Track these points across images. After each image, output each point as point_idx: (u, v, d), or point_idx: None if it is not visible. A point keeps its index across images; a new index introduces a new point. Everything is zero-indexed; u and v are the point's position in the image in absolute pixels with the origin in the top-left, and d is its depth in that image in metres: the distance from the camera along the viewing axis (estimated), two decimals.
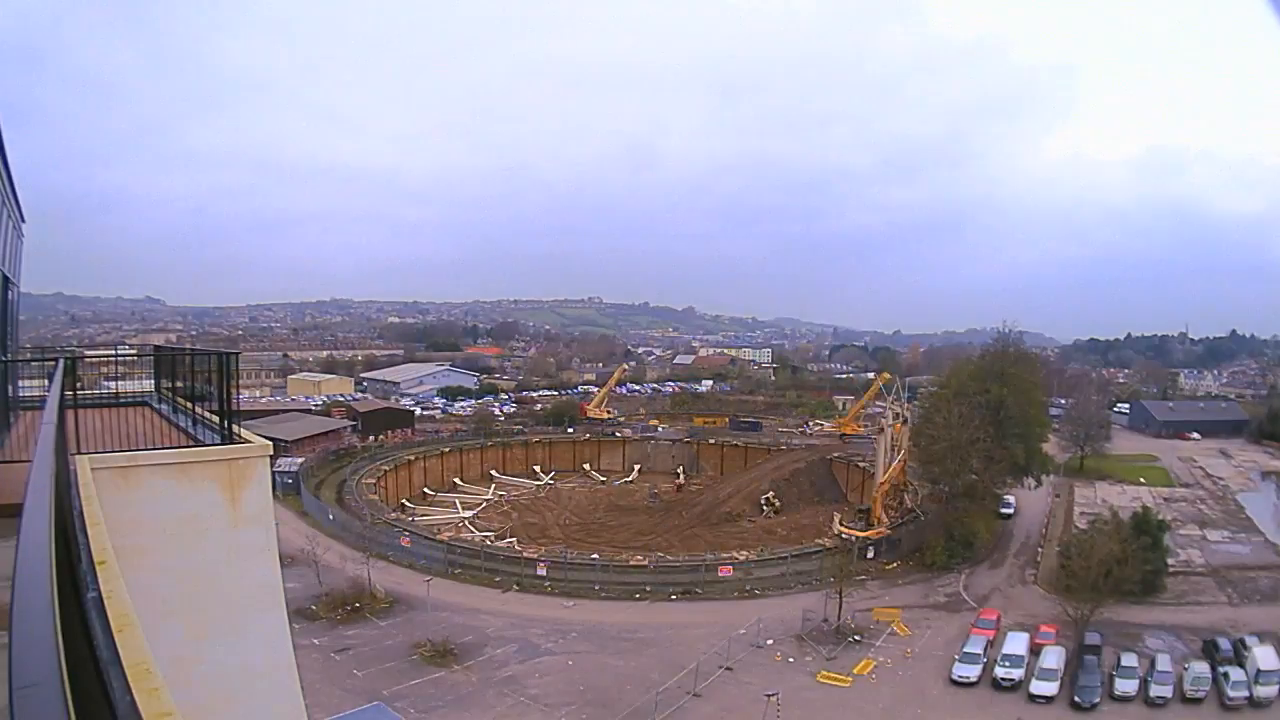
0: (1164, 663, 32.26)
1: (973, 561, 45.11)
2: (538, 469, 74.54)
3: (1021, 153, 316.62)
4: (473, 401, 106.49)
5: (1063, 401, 79.44)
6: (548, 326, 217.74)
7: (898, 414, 53.71)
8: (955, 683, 31.76)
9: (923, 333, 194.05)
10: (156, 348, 15.75)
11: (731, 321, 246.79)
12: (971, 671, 32.01)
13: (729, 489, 65.53)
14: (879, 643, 35.60)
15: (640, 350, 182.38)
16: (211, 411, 8.59)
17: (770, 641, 35.19)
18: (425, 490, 66.89)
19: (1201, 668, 31.56)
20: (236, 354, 8.94)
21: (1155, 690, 30.72)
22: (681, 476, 71.42)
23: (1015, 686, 31.54)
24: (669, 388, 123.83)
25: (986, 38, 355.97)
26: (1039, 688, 30.99)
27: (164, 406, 10.90)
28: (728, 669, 32.54)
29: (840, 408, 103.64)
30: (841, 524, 50.64)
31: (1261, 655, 31.66)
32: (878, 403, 74.84)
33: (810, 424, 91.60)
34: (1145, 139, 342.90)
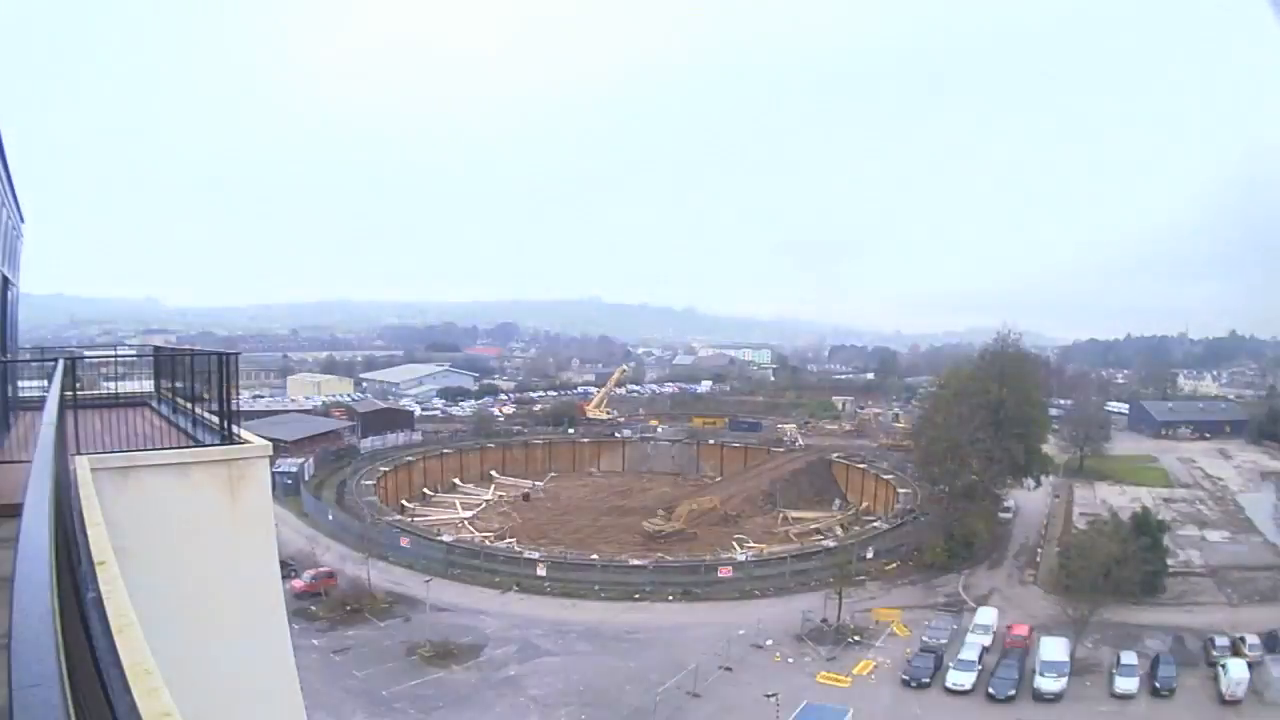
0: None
1: (972, 562, 45.12)
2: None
3: None
4: (473, 402, 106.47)
5: (1063, 402, 79.39)
6: (548, 327, 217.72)
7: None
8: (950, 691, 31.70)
9: (923, 333, 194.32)
10: (156, 348, 15.72)
11: (731, 321, 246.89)
12: (966, 679, 31.89)
13: (729, 489, 65.56)
14: (879, 643, 35.61)
15: (640, 350, 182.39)
16: (211, 412, 8.59)
17: (770, 642, 35.20)
18: (425, 490, 66.90)
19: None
20: (236, 354, 8.94)
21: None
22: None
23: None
24: (669, 388, 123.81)
25: None
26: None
27: (164, 407, 10.90)
28: (727, 669, 32.54)
29: (841, 408, 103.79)
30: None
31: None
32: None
33: (807, 424, 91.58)
34: None
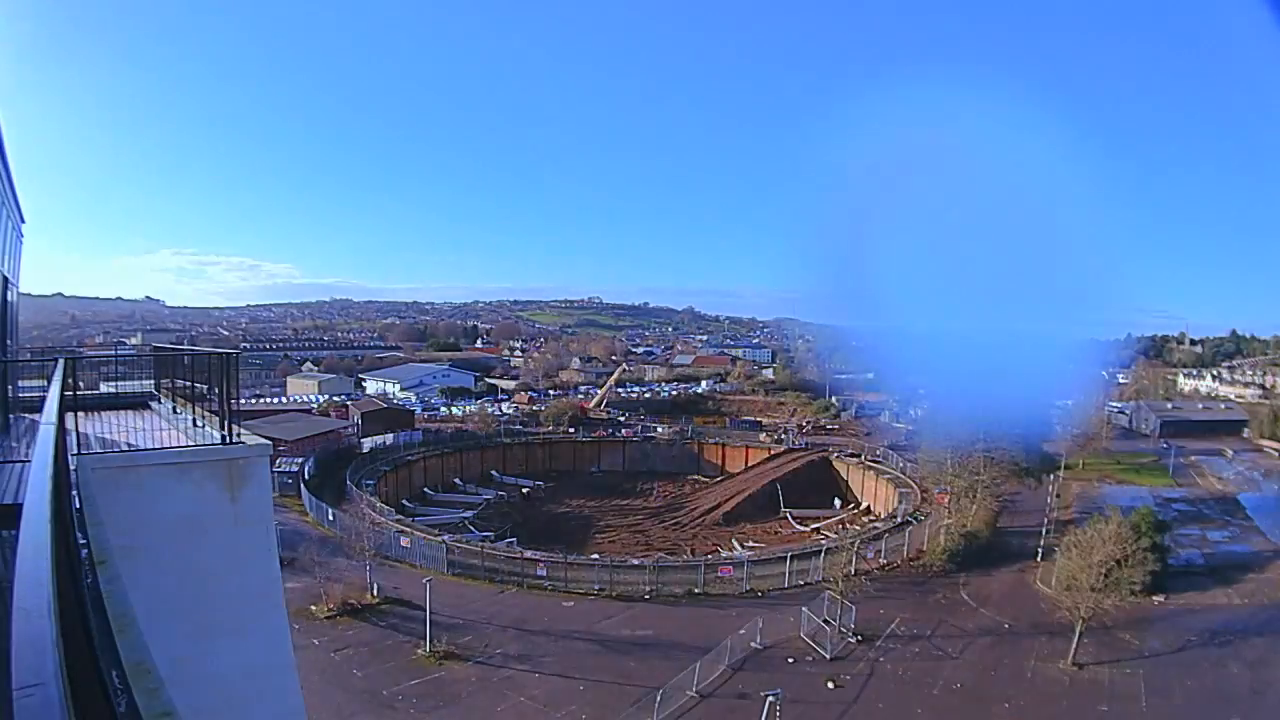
0: None
1: (972, 562, 45.13)
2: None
3: None
4: (473, 401, 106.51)
5: (1063, 402, 79.34)
6: (548, 326, 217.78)
7: None
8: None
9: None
10: (156, 347, 15.74)
11: (731, 321, 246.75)
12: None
13: (729, 489, 65.62)
14: (879, 643, 35.62)
15: (640, 350, 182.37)
16: (211, 411, 8.60)
17: (771, 641, 35.21)
18: (425, 490, 66.94)
19: None
20: (236, 354, 8.96)
21: None
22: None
23: None
24: (669, 388, 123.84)
25: None
26: None
27: (164, 406, 10.91)
28: (728, 669, 32.55)
29: (841, 407, 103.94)
30: None
31: None
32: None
33: (808, 423, 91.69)
34: None
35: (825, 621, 36.49)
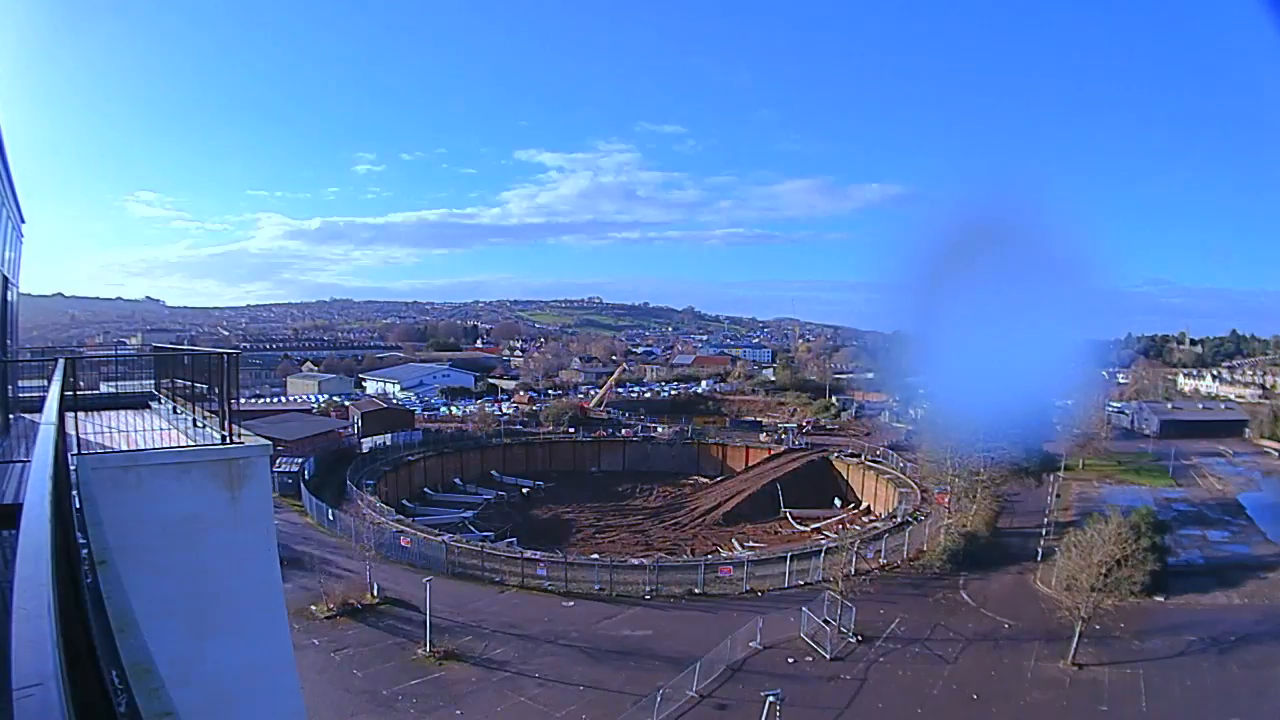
0: None
1: (972, 562, 45.12)
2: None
3: None
4: (473, 401, 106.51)
5: (1063, 402, 79.30)
6: (548, 326, 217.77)
7: None
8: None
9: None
10: (156, 347, 15.75)
11: (731, 321, 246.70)
12: None
13: (729, 490, 65.62)
14: (879, 643, 35.62)
15: (640, 350, 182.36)
16: (211, 411, 8.61)
17: (770, 642, 35.20)
18: (425, 490, 66.94)
19: None
20: (237, 354, 8.98)
21: None
22: None
23: None
24: (669, 388, 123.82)
25: None
26: None
27: (164, 406, 10.92)
28: (728, 669, 32.55)
29: (841, 406, 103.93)
30: None
31: None
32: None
33: (808, 423, 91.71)
34: None
35: (825, 622, 36.48)
